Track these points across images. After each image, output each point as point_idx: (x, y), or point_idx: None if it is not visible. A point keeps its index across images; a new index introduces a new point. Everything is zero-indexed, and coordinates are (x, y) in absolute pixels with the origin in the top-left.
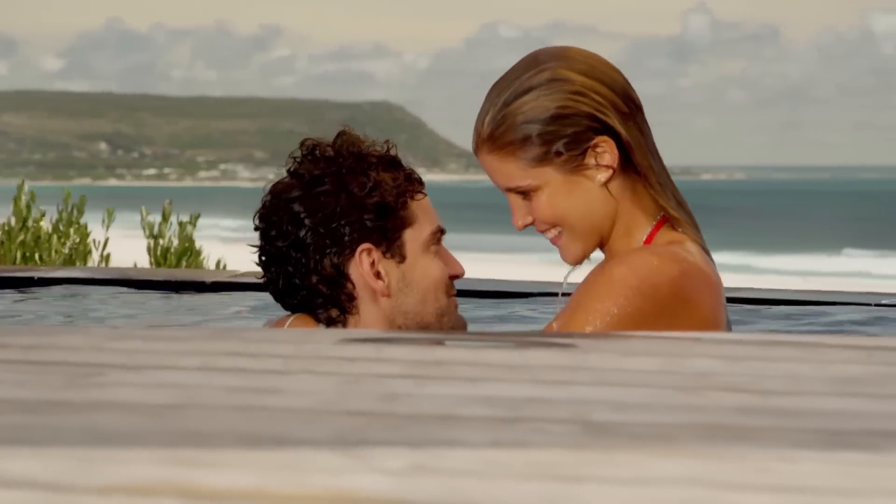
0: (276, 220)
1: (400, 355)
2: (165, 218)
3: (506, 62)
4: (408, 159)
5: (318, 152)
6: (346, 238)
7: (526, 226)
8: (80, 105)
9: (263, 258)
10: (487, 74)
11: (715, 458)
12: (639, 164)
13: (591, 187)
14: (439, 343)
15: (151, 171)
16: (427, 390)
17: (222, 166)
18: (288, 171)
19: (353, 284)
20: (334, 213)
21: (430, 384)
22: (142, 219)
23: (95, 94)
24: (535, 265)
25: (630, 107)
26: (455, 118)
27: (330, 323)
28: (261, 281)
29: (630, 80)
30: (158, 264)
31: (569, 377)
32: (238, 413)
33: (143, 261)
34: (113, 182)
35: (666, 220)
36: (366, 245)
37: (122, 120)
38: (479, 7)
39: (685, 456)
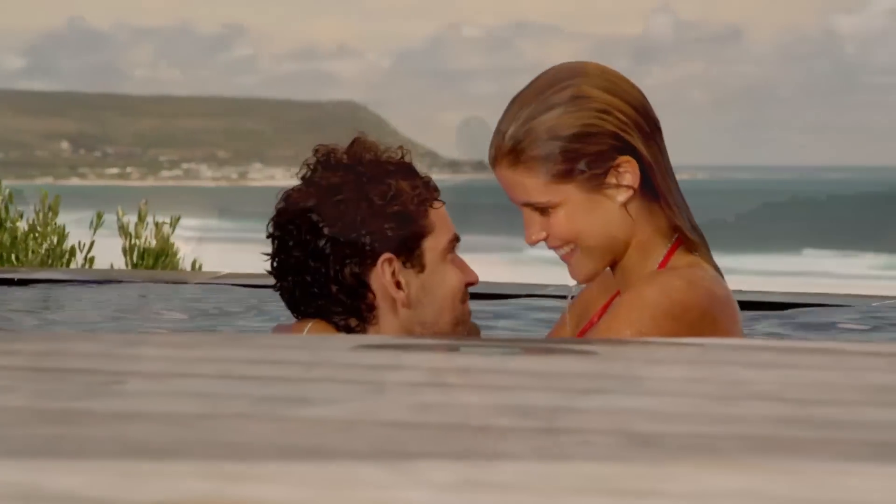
0: (292, 228)
1: (421, 362)
2: (142, 218)
3: (469, 62)
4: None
5: (333, 159)
6: (368, 248)
7: (538, 241)
8: (43, 104)
9: (278, 267)
10: (451, 74)
11: (768, 472)
12: (658, 185)
13: (611, 206)
14: (457, 350)
15: (114, 171)
16: (458, 399)
17: (185, 165)
18: (302, 178)
19: (373, 294)
20: (355, 223)
21: (459, 393)
22: (118, 219)
23: (58, 94)
24: (502, 265)
25: (651, 126)
26: (418, 118)
27: (348, 331)
28: (241, 284)
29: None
30: (135, 265)
31: (598, 385)
32: (271, 424)
33: (119, 262)
34: (76, 181)
35: (681, 243)
36: (387, 255)
37: (85, 119)
38: (442, 7)
39: (737, 469)
